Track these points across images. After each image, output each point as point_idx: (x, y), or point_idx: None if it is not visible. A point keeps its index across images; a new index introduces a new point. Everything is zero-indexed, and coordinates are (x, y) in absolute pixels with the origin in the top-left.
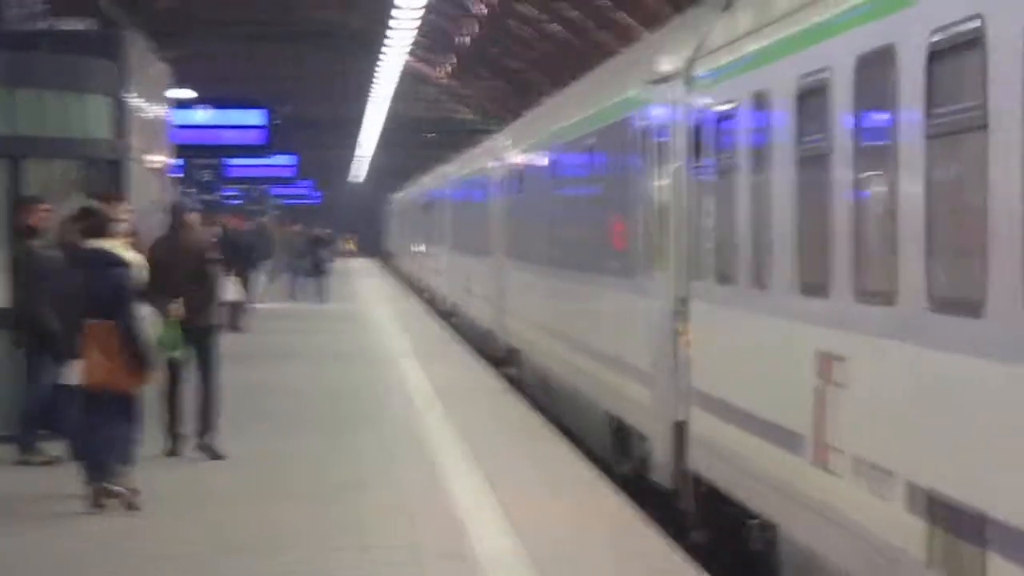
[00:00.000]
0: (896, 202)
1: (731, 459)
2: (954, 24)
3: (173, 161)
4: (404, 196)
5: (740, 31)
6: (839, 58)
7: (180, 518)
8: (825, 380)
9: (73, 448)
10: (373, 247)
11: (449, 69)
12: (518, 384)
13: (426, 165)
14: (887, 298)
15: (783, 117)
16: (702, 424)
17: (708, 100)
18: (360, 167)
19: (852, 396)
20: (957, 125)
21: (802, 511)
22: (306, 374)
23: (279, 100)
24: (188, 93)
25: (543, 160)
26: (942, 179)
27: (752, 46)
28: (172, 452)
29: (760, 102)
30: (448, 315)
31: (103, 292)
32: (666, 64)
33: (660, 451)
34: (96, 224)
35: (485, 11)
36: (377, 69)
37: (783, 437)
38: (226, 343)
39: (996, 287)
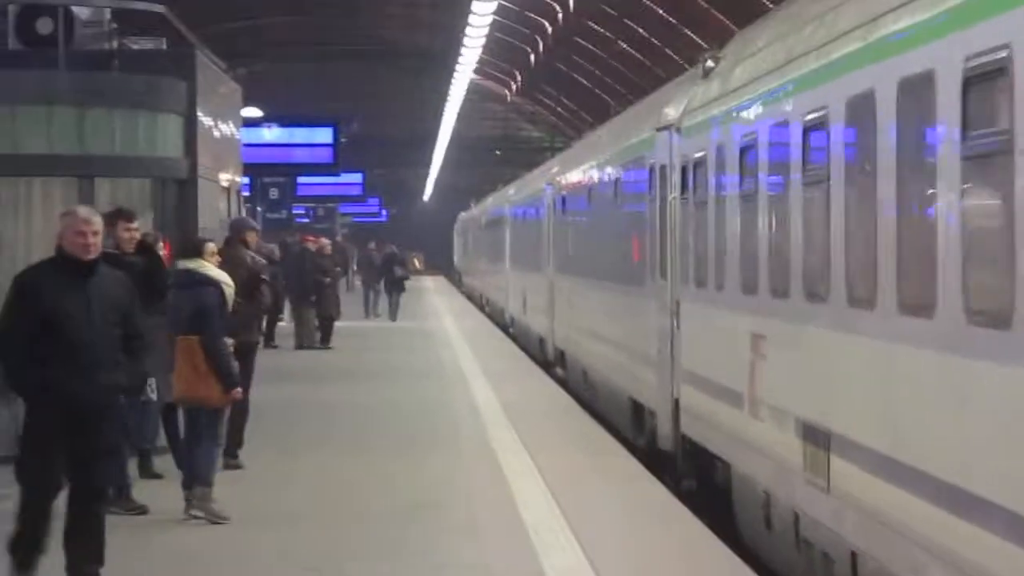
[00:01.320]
0: (787, 228)
1: (705, 419)
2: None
3: (242, 179)
4: (469, 215)
5: (710, 97)
6: (761, 127)
7: (251, 536)
8: (755, 353)
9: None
10: (441, 265)
11: (516, 87)
12: (563, 382)
13: (493, 183)
14: (785, 294)
15: (731, 165)
16: (688, 396)
17: (690, 146)
18: (428, 185)
19: (769, 363)
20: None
21: (744, 450)
22: (376, 391)
23: (347, 118)
24: (256, 112)
25: (582, 186)
26: (809, 215)
27: (714, 111)
28: (232, 465)
29: (719, 152)
30: (506, 327)
31: (188, 310)
32: (667, 115)
33: (663, 422)
34: (188, 245)
35: (552, 30)
36: (447, 87)
37: (732, 397)
38: (298, 361)
39: (836, 285)
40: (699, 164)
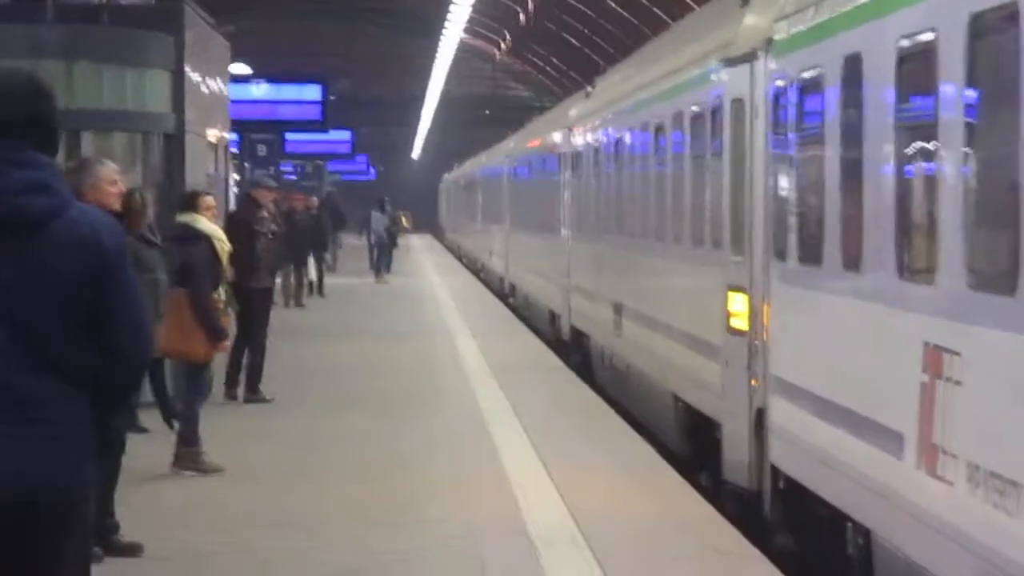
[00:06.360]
0: (608, 194)
1: (582, 314)
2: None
3: (230, 136)
4: (451, 177)
5: (585, 113)
6: (601, 137)
7: (233, 491)
8: (598, 267)
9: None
10: (427, 223)
11: (505, 46)
12: (515, 309)
13: (482, 143)
14: (607, 231)
15: (587, 158)
16: (575, 301)
17: (575, 143)
18: (417, 144)
19: (603, 272)
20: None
21: (593, 326)
22: (364, 350)
23: (336, 76)
24: (244, 68)
25: (523, 162)
26: (613, 188)
27: (584, 123)
28: (257, 399)
29: (585, 149)
30: (477, 272)
31: (176, 264)
32: (568, 119)
33: (563, 321)
34: (183, 199)
35: None
36: (436, 45)
37: (590, 296)
38: (289, 319)
39: (617, 224)
40: (578, 154)
